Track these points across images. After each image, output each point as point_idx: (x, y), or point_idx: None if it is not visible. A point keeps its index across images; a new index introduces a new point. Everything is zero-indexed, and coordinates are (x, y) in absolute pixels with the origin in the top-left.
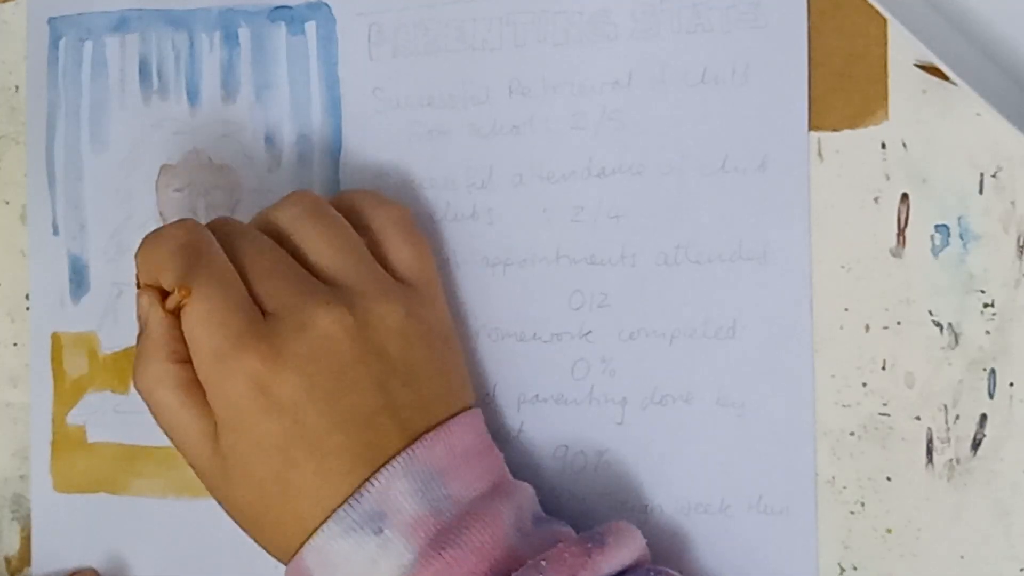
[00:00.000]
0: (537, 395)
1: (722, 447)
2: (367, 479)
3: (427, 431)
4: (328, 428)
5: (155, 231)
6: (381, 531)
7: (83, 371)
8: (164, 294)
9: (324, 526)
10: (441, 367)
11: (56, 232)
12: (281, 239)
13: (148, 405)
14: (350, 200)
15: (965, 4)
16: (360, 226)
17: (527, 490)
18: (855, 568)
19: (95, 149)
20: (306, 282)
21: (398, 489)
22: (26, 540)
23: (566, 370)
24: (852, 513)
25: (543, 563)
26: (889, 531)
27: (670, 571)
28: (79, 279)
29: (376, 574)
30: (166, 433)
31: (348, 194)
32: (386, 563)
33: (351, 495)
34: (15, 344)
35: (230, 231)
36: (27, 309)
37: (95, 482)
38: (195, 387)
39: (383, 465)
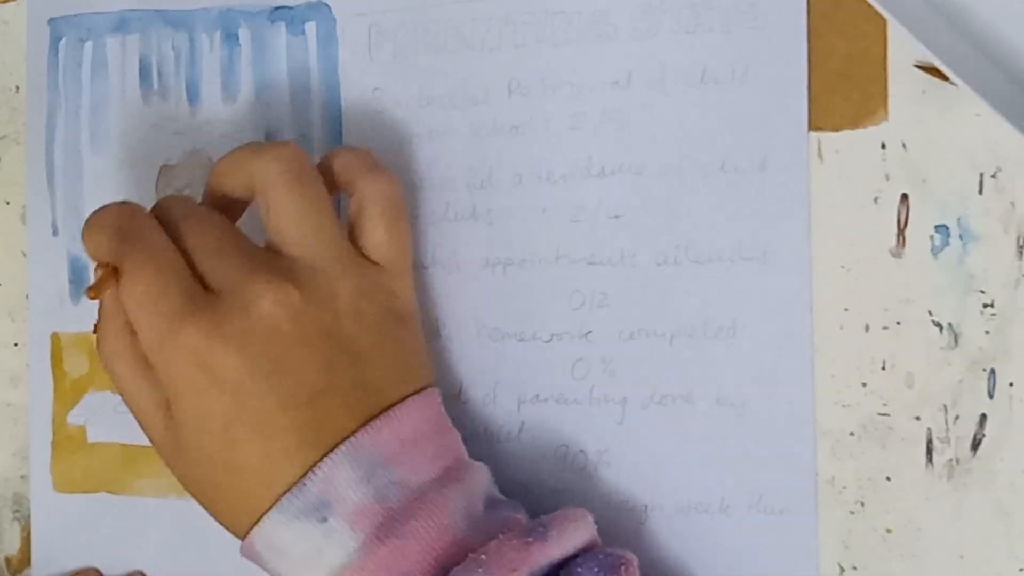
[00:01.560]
0: (537, 395)
1: (722, 447)
2: (312, 465)
3: (378, 414)
4: (271, 408)
5: (94, 211)
6: (325, 520)
7: (83, 371)
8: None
9: (269, 513)
10: (395, 348)
11: (56, 232)
12: (252, 193)
13: (110, 376)
14: (343, 161)
15: (965, 4)
16: (347, 191)
17: (480, 472)
18: (855, 568)
19: (95, 149)
20: (253, 259)
21: (342, 477)
22: (27, 540)
23: (566, 370)
24: (852, 513)
25: (483, 557)
26: (889, 531)
27: (621, 552)
28: (79, 279)
29: (322, 562)
30: (126, 405)
31: (343, 153)
32: (331, 552)
33: (296, 483)
34: (15, 344)
35: (176, 212)
36: (28, 309)
37: (96, 482)
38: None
39: (331, 450)
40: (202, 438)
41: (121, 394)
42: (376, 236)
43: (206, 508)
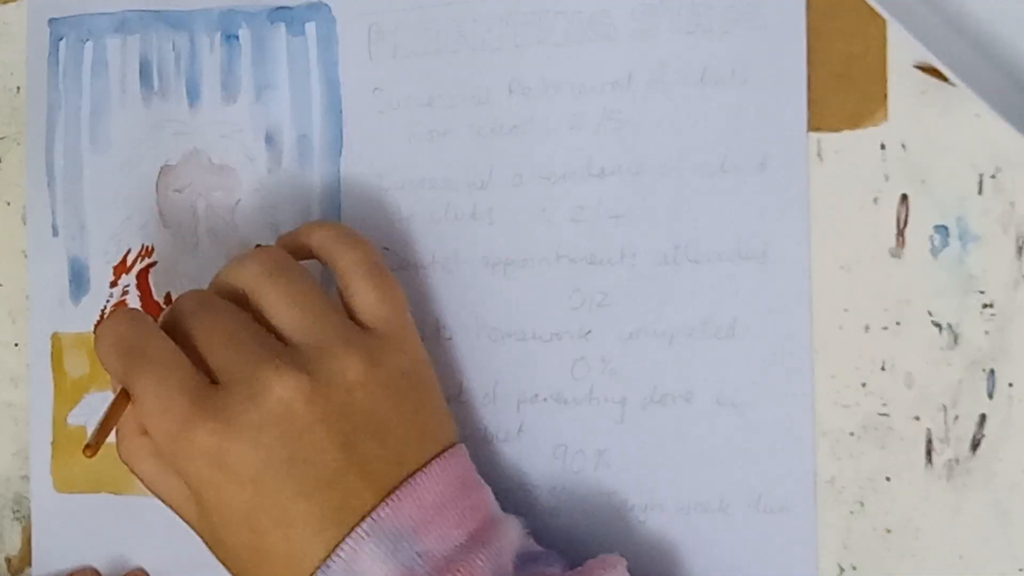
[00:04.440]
0: (537, 395)
1: (722, 447)
2: (335, 546)
3: (400, 483)
4: (291, 495)
5: (101, 324)
6: None
7: (83, 371)
8: None
9: None
10: (412, 413)
11: (56, 233)
12: (244, 299)
13: (137, 476)
14: (318, 236)
15: (965, 5)
16: (330, 266)
17: (510, 528)
18: (854, 568)
19: (95, 150)
20: (262, 348)
21: (366, 554)
22: (27, 540)
23: (566, 370)
24: (852, 513)
25: None
26: (889, 531)
27: None
28: (79, 280)
29: None
30: (159, 499)
31: (315, 230)
32: None
33: (319, 565)
34: (16, 344)
35: (189, 307)
36: (28, 310)
37: (96, 482)
38: None
39: (353, 527)
40: (227, 529)
41: (151, 490)
42: (368, 299)
43: None
